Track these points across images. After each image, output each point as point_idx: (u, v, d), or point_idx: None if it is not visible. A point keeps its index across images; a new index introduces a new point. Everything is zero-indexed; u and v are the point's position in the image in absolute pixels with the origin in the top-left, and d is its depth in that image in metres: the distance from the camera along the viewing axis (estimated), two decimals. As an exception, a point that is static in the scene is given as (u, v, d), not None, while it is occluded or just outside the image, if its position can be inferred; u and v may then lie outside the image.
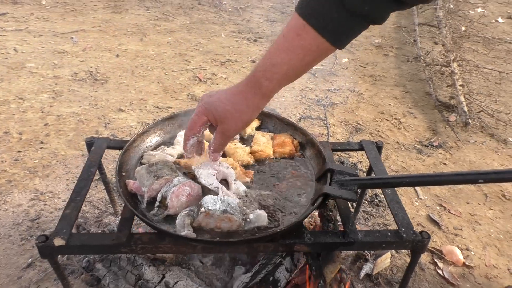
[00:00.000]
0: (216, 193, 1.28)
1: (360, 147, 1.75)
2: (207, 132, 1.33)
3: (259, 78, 1.09)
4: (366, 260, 1.98)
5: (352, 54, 4.54)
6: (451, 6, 4.92)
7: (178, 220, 1.21)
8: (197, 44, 4.52)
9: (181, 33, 4.79)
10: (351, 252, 2.03)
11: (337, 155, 2.78)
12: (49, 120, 2.94)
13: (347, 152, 2.82)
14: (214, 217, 1.19)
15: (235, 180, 1.38)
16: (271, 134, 1.69)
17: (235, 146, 1.57)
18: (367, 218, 2.27)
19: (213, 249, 1.35)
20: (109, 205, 2.19)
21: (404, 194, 2.51)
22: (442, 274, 1.99)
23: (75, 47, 4.16)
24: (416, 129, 3.22)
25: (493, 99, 3.67)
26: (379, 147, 1.73)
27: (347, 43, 1.03)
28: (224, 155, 1.52)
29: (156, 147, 1.58)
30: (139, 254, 1.59)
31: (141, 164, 1.47)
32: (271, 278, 1.55)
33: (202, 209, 1.18)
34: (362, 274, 1.91)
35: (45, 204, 2.21)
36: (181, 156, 1.54)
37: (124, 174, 1.41)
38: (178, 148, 1.55)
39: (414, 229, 1.32)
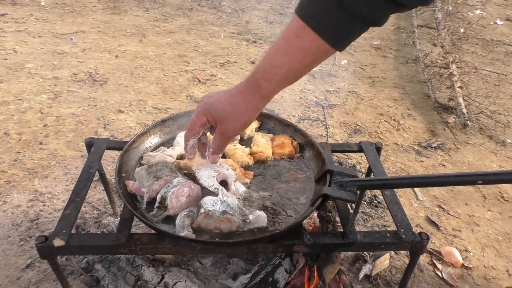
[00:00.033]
0: (216, 194, 1.28)
1: (359, 148, 1.75)
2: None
3: (258, 79, 1.10)
4: (365, 261, 1.98)
5: (351, 55, 4.55)
6: (450, 8, 4.93)
7: (177, 221, 1.21)
8: (197, 45, 4.52)
9: (181, 34, 4.79)
10: (350, 253, 2.03)
11: (337, 156, 2.78)
12: (48, 121, 2.94)
13: (346, 154, 2.83)
14: (213, 218, 1.19)
15: (234, 181, 1.38)
16: (271, 135, 1.69)
17: (235, 147, 1.57)
18: (366, 219, 2.28)
19: (212, 249, 1.35)
20: (108, 206, 2.19)
21: (403, 195, 2.51)
22: (441, 275, 1.99)
23: (75, 48, 4.16)
24: (415, 131, 3.23)
25: (492, 101, 3.67)
26: (378, 149, 1.74)
27: (347, 45, 1.03)
28: (223, 156, 1.53)
29: (155, 148, 1.58)
30: (139, 255, 1.60)
31: (141, 165, 1.47)
32: (270, 279, 1.55)
33: (202, 210, 1.19)
34: (361, 275, 1.92)
35: (44, 205, 2.21)
36: (180, 157, 1.54)
37: (123, 175, 1.41)
38: (177, 149, 1.55)
39: (413, 230, 1.33)
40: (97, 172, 1.59)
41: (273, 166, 1.57)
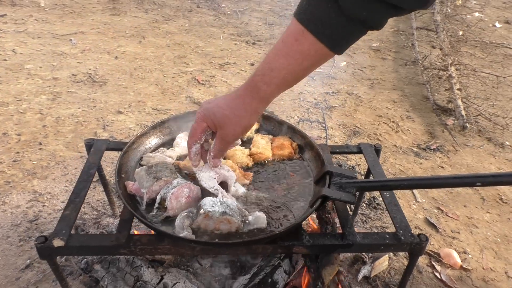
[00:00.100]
0: (216, 195, 1.28)
1: (359, 150, 1.76)
2: None
3: (257, 82, 1.10)
4: (364, 263, 1.98)
5: (350, 57, 4.56)
6: (449, 10, 4.94)
7: (177, 222, 1.22)
8: (196, 46, 4.53)
9: (180, 35, 4.80)
10: (349, 254, 2.03)
11: (336, 158, 2.79)
12: (47, 122, 2.94)
13: (345, 155, 2.83)
14: (213, 219, 1.19)
15: (234, 182, 1.38)
16: (270, 136, 1.69)
17: (234, 148, 1.58)
18: (365, 221, 2.28)
19: (212, 250, 1.35)
20: (107, 207, 2.19)
21: (402, 197, 2.52)
22: (439, 277, 2.00)
23: (74, 49, 4.16)
24: (414, 133, 3.23)
25: (491, 103, 3.68)
26: (377, 150, 1.74)
27: (345, 49, 1.04)
28: (223, 157, 1.53)
29: (155, 149, 1.59)
30: (138, 255, 1.60)
31: (141, 165, 1.48)
32: (269, 280, 1.55)
33: (202, 211, 1.19)
34: (360, 276, 1.92)
35: (43, 206, 2.21)
36: (180, 158, 1.54)
37: (123, 175, 1.41)
38: (177, 150, 1.55)
39: (412, 231, 1.33)
40: (96, 173, 1.59)
41: (272, 167, 1.57)
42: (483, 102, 3.62)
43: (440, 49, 4.08)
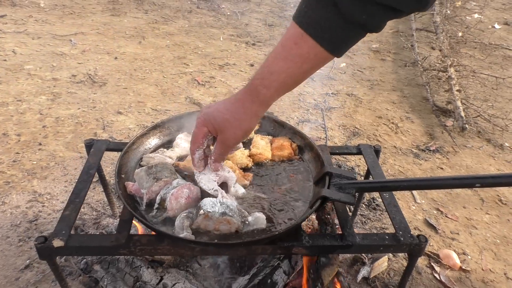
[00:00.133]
0: (216, 196, 1.28)
1: (358, 151, 1.76)
2: None
3: (257, 86, 1.10)
4: (364, 264, 1.98)
5: (350, 58, 4.56)
6: (448, 11, 4.95)
7: (177, 222, 1.22)
8: (196, 47, 4.53)
9: (180, 36, 4.80)
10: (348, 255, 2.03)
11: (335, 158, 2.79)
12: (47, 122, 2.94)
13: (345, 156, 2.84)
14: (213, 220, 1.19)
15: (234, 183, 1.39)
16: (270, 137, 1.69)
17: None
18: (365, 222, 2.28)
19: (211, 251, 1.35)
20: (107, 207, 2.19)
21: (401, 198, 2.52)
22: (439, 278, 2.00)
23: (74, 49, 4.16)
24: (413, 134, 3.24)
25: (490, 104, 3.69)
26: (377, 151, 1.75)
27: (345, 51, 1.04)
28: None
29: (155, 149, 1.59)
30: (138, 256, 1.60)
31: (140, 166, 1.48)
32: (269, 281, 1.55)
33: (201, 211, 1.19)
34: (360, 277, 1.92)
35: (43, 206, 2.21)
36: (180, 159, 1.54)
37: (123, 176, 1.42)
38: (177, 150, 1.55)
39: (411, 232, 1.34)
40: (96, 173, 1.59)
41: (272, 168, 1.57)
42: (482, 103, 3.63)
43: (440, 50, 4.09)
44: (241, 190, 1.40)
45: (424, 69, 4.08)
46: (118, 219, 1.33)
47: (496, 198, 2.58)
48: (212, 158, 1.28)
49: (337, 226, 1.44)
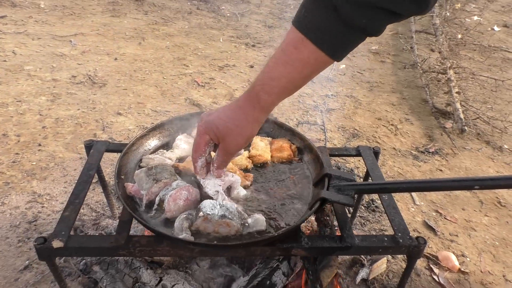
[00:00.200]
0: (215, 198, 1.28)
1: (358, 152, 1.76)
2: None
3: (258, 92, 1.10)
4: (363, 265, 1.98)
5: (349, 60, 4.57)
6: (448, 14, 4.96)
7: (176, 224, 1.22)
8: (196, 48, 4.53)
9: (180, 37, 4.80)
10: (347, 257, 2.03)
11: (335, 160, 2.79)
12: (47, 123, 2.94)
13: (344, 158, 2.84)
14: (212, 222, 1.19)
15: (238, 185, 1.39)
16: (269, 138, 1.70)
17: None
18: (364, 223, 2.28)
19: (211, 252, 1.36)
20: (106, 208, 2.19)
21: (401, 200, 2.52)
22: (437, 280, 2.00)
23: (74, 50, 4.16)
24: (412, 136, 3.24)
25: (489, 107, 3.70)
26: (376, 153, 1.75)
27: (345, 56, 1.04)
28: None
29: (154, 150, 1.59)
30: (137, 256, 1.60)
31: (140, 167, 1.48)
32: (268, 282, 1.55)
33: (201, 214, 1.19)
34: (358, 279, 1.92)
35: (42, 207, 2.21)
36: (179, 160, 1.55)
37: (122, 177, 1.42)
38: (176, 151, 1.56)
39: (410, 234, 1.34)
40: (96, 174, 1.60)
41: (271, 170, 1.57)
42: (481, 106, 3.63)
43: (439, 52, 4.09)
44: (243, 192, 1.41)
45: (424, 71, 4.09)
46: (118, 220, 1.33)
47: (495, 200, 2.58)
48: (215, 165, 1.28)
49: (336, 228, 1.44)
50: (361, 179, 2.47)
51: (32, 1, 5.30)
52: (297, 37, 1.01)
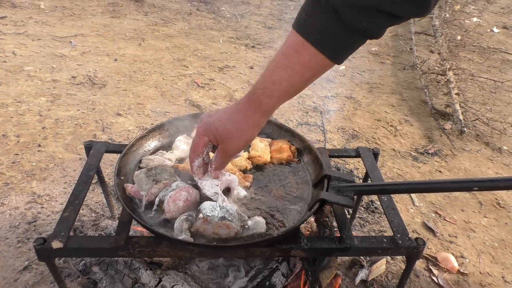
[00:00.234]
0: (215, 200, 1.29)
1: (357, 153, 1.76)
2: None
3: (259, 96, 1.10)
4: (362, 266, 1.99)
5: (349, 61, 4.57)
6: (447, 15, 4.97)
7: (176, 225, 1.22)
8: (195, 49, 4.54)
9: (179, 38, 4.81)
10: (346, 258, 2.04)
11: (334, 161, 2.80)
12: (47, 123, 2.94)
13: (343, 159, 2.84)
14: (212, 223, 1.19)
15: (236, 185, 1.39)
16: (269, 139, 1.70)
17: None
18: (363, 225, 2.29)
19: (210, 253, 1.36)
20: (106, 209, 2.19)
21: (400, 201, 2.52)
22: (437, 281, 2.00)
23: (74, 51, 4.17)
24: (412, 137, 3.25)
25: (488, 108, 3.70)
26: (375, 154, 1.75)
27: (345, 58, 1.04)
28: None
29: (154, 151, 1.59)
30: (137, 257, 1.60)
31: (140, 168, 1.48)
32: (267, 283, 1.56)
33: (201, 215, 1.19)
34: (358, 280, 1.92)
35: (42, 207, 2.21)
36: (179, 161, 1.55)
37: (122, 178, 1.42)
38: (176, 152, 1.56)
39: (410, 235, 1.34)
40: (95, 175, 1.60)
41: (271, 171, 1.58)
42: (481, 107, 3.64)
43: (439, 53, 4.10)
44: (243, 193, 1.41)
45: (423, 72, 4.09)
46: (117, 221, 1.33)
47: (494, 202, 2.58)
48: (213, 166, 1.29)
49: (335, 229, 1.45)
50: (361, 180, 2.47)
51: (32, 2, 5.30)
52: (297, 41, 1.01)
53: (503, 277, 2.07)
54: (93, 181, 1.66)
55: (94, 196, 2.31)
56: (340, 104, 3.62)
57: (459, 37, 4.85)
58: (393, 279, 1.99)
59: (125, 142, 2.49)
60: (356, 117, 3.46)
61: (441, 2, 5.17)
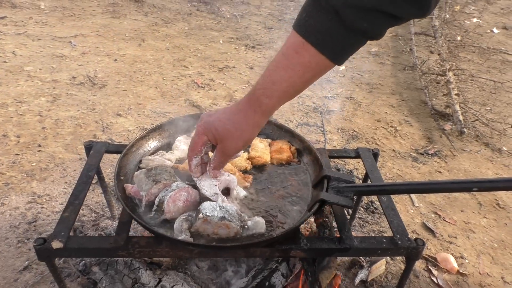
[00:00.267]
0: (215, 200, 1.29)
1: (357, 154, 1.77)
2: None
3: (259, 96, 1.10)
4: (361, 267, 1.99)
5: (349, 62, 4.57)
6: (447, 16, 4.97)
7: (176, 225, 1.22)
8: (195, 50, 4.54)
9: (179, 39, 4.81)
10: (346, 258, 2.04)
11: (334, 162, 2.80)
12: (47, 124, 2.94)
13: (343, 159, 2.84)
14: (212, 224, 1.19)
15: (236, 185, 1.39)
16: (269, 140, 1.70)
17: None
18: (363, 225, 2.29)
19: (210, 253, 1.36)
20: (106, 209, 2.20)
21: (400, 201, 2.53)
22: (436, 282, 2.00)
23: (74, 51, 4.17)
24: (412, 137, 3.25)
25: (488, 109, 3.70)
26: (375, 155, 1.75)
27: (346, 59, 1.04)
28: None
29: (154, 152, 1.60)
30: (137, 257, 1.61)
31: (140, 168, 1.48)
32: (267, 283, 1.56)
33: (200, 215, 1.19)
34: (357, 280, 1.92)
35: (42, 207, 2.22)
36: (179, 161, 1.55)
37: (122, 178, 1.42)
38: (176, 153, 1.56)
39: (409, 236, 1.34)
40: (95, 175, 1.60)
41: (271, 171, 1.58)
42: (480, 108, 3.64)
43: (438, 54, 4.10)
44: (243, 193, 1.41)
45: (423, 73, 4.09)
46: (117, 221, 1.33)
47: (494, 202, 2.58)
48: (212, 166, 1.29)
49: (335, 229, 1.45)
50: (360, 181, 2.48)
51: (32, 2, 5.30)
52: (298, 41, 1.01)
53: (502, 278, 2.07)
54: (93, 181, 1.66)
55: (94, 196, 2.31)
56: (340, 105, 3.62)
57: (459, 38, 4.85)
58: (392, 279, 1.99)
59: (125, 143, 2.49)
60: (356, 117, 3.46)
61: (441, 2, 5.17)
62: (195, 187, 1.34)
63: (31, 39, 4.33)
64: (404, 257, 1.38)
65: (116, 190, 1.33)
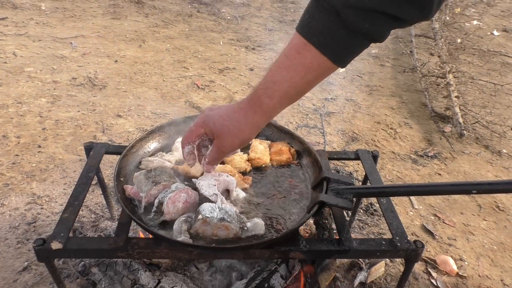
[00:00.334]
0: (215, 201, 1.29)
1: (356, 156, 1.77)
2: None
3: (260, 96, 1.10)
4: (361, 269, 1.99)
5: (349, 63, 4.56)
6: (447, 18, 4.97)
7: (175, 226, 1.22)
8: (196, 51, 4.55)
9: (180, 40, 4.82)
10: (345, 260, 2.04)
11: (333, 163, 2.80)
12: (47, 125, 2.95)
13: (343, 161, 2.84)
14: (211, 225, 1.20)
15: (235, 186, 1.39)
16: (269, 142, 1.70)
17: (233, 156, 1.58)
18: (362, 227, 2.29)
19: (209, 255, 1.36)
20: (105, 210, 2.20)
21: (399, 203, 2.53)
22: (435, 284, 2.00)
23: (74, 52, 4.17)
24: (411, 139, 3.25)
25: (488, 111, 3.70)
26: (375, 157, 1.75)
27: (348, 62, 1.04)
28: (222, 162, 1.54)
29: (154, 153, 1.60)
30: (136, 258, 1.61)
31: (139, 169, 1.48)
32: (266, 285, 1.56)
33: (200, 216, 1.19)
34: (356, 282, 1.92)
35: (42, 208, 2.22)
36: (179, 163, 1.55)
37: (122, 179, 1.42)
38: (176, 154, 1.56)
39: (408, 238, 1.34)
40: (95, 176, 1.60)
41: (270, 173, 1.58)
42: (480, 110, 3.64)
43: (439, 56, 4.10)
44: (242, 194, 1.41)
45: (423, 75, 4.10)
46: (117, 222, 1.33)
47: (494, 205, 2.58)
48: (206, 159, 1.29)
49: (334, 231, 1.45)
50: (360, 183, 2.48)
51: (33, 3, 5.31)
52: (300, 42, 1.01)
53: (502, 280, 2.07)
54: (93, 182, 1.66)
55: (94, 197, 2.31)
56: (339, 107, 3.63)
57: (459, 40, 4.86)
58: (392, 281, 1.99)
59: (125, 144, 2.49)
60: (356, 119, 3.46)
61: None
62: (194, 188, 1.35)
63: (32, 40, 4.33)
64: (403, 259, 1.38)
65: (115, 191, 1.33)
